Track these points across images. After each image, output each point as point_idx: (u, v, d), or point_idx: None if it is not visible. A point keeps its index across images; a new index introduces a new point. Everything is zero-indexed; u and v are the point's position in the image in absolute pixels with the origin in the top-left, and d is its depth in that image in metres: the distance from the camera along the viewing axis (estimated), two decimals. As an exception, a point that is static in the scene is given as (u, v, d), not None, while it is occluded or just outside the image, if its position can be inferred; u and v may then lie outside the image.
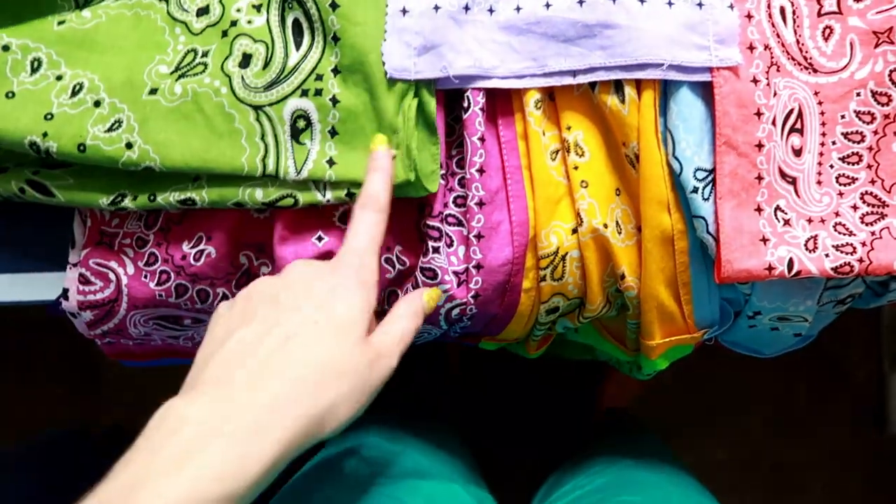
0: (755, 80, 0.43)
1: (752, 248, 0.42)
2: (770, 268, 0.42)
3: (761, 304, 0.46)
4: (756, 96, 0.42)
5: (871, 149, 0.44)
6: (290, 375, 0.33)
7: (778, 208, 0.43)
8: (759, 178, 0.42)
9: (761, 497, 1.11)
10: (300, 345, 0.35)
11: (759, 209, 0.43)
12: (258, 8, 0.42)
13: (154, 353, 0.49)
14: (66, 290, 0.44)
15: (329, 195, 0.41)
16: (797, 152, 0.43)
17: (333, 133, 0.41)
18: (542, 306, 0.46)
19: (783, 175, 0.43)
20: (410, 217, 0.45)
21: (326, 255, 0.43)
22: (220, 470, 0.30)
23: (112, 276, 0.44)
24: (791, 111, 0.43)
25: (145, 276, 0.43)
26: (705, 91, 0.42)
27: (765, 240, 0.42)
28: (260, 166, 0.41)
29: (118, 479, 0.30)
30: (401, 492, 0.49)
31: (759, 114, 0.42)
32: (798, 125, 0.43)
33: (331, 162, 0.41)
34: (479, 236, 0.43)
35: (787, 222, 0.43)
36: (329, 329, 0.35)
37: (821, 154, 0.44)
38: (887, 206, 0.43)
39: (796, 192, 0.43)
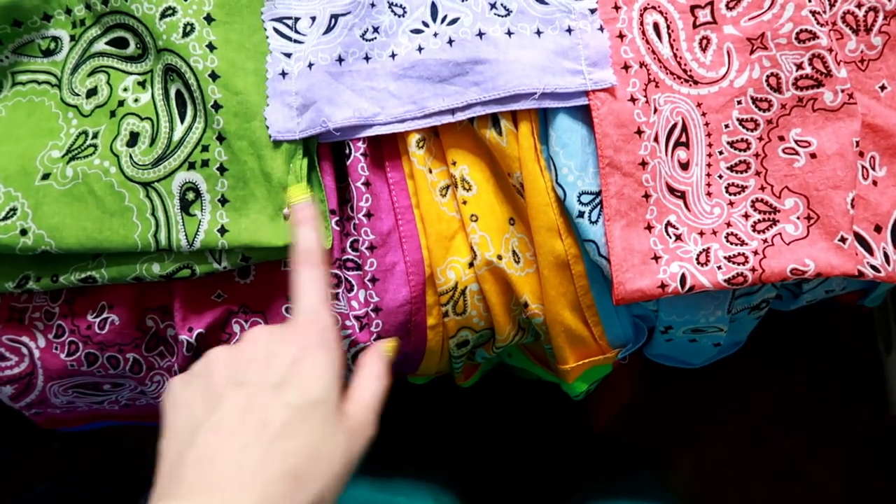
0: (633, 99, 0.43)
1: (643, 268, 0.42)
2: (663, 285, 0.42)
3: (670, 319, 0.46)
4: (635, 115, 0.42)
5: (757, 155, 0.43)
6: (274, 472, 0.32)
7: (669, 224, 0.43)
8: (647, 195, 0.42)
9: (764, 486, 1.10)
10: (280, 434, 0.33)
11: (649, 227, 0.42)
12: (143, 84, 0.43)
13: (83, 419, 0.51)
14: (-16, 368, 0.45)
15: (225, 262, 0.42)
16: (684, 166, 0.43)
17: (224, 201, 0.42)
18: (451, 341, 0.46)
19: (671, 190, 0.43)
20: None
21: (226, 312, 0.44)
22: None
23: (25, 350, 0.45)
24: (674, 126, 0.43)
25: (56, 348, 0.45)
26: (584, 115, 0.43)
27: (656, 257, 0.42)
28: (153, 242, 0.42)
29: None
30: None
31: (639, 132, 0.42)
32: (683, 139, 0.43)
33: (222, 230, 0.42)
34: (373, 280, 0.43)
35: (678, 237, 0.43)
36: (304, 410, 0.34)
37: (709, 165, 0.43)
38: (778, 211, 0.43)
39: (686, 205, 0.43)
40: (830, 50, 0.42)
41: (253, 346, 0.36)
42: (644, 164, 0.42)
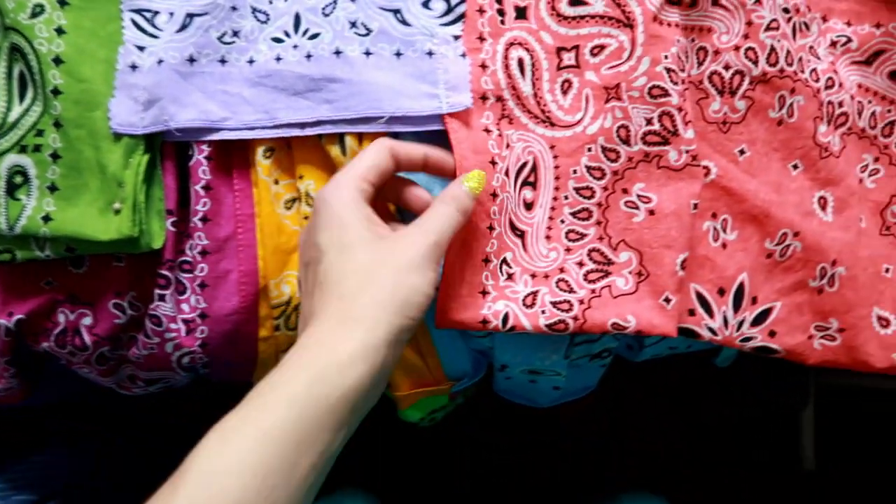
0: (487, 130, 0.42)
1: (469, 300, 0.41)
2: (485, 321, 0.41)
3: (505, 358, 0.46)
4: (489, 145, 0.42)
5: (600, 205, 0.43)
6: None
7: (504, 261, 0.42)
8: (491, 227, 0.42)
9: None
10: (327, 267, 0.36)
11: (486, 259, 0.42)
12: None
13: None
14: None
15: (48, 251, 0.41)
16: (528, 206, 0.43)
17: (53, 189, 0.41)
18: (283, 355, 0.45)
19: (513, 228, 0.43)
20: (149, 263, 0.45)
21: (51, 300, 0.43)
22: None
23: None
24: (525, 164, 0.43)
25: None
26: (432, 139, 0.42)
27: (485, 292, 0.42)
28: None
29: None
30: None
31: (493, 162, 0.42)
32: (532, 178, 0.43)
33: (47, 218, 0.41)
34: (202, 285, 0.43)
35: (510, 276, 0.42)
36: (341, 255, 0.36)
37: (553, 209, 0.43)
38: (612, 263, 0.42)
39: (524, 246, 0.43)
40: (680, 109, 0.42)
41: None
42: (495, 195, 0.42)
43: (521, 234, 0.43)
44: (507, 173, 0.42)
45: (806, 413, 1.15)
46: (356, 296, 0.35)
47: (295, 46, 0.43)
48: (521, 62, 0.43)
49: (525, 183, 0.43)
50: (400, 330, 0.35)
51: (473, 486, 0.78)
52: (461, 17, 0.43)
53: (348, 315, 0.34)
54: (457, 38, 0.43)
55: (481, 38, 0.43)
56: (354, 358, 0.33)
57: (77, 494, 0.60)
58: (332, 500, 0.57)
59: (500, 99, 0.43)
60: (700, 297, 0.44)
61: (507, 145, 0.42)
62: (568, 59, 0.43)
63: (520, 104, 0.43)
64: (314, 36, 0.43)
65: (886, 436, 1.06)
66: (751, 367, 0.66)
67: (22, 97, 0.42)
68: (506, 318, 0.41)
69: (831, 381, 1.06)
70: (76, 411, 0.66)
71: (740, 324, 0.44)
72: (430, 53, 0.42)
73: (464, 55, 0.42)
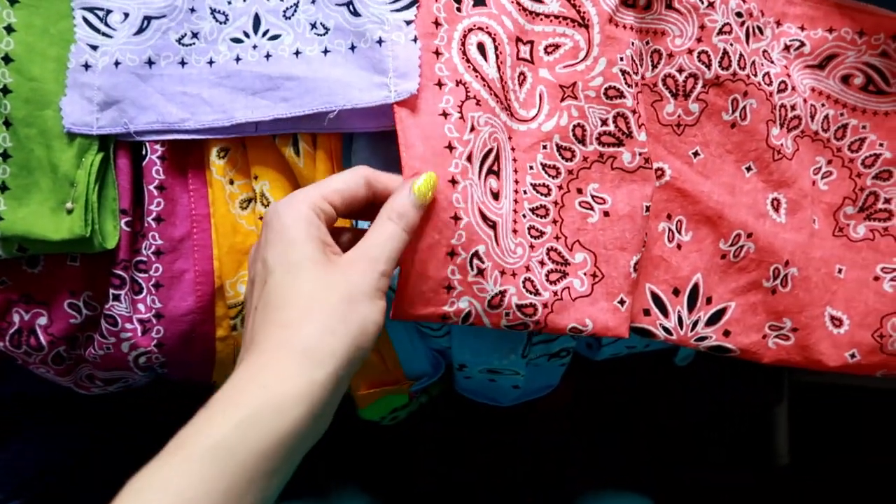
0: (445, 114, 0.40)
1: (431, 296, 0.39)
2: (444, 317, 0.40)
3: (463, 357, 0.46)
4: (446, 129, 0.40)
5: (556, 203, 0.43)
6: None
7: (476, 255, 0.40)
8: (456, 217, 0.39)
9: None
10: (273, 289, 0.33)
11: (453, 253, 0.39)
12: None
13: None
14: None
15: (0, 250, 0.41)
16: (495, 195, 0.41)
17: (3, 188, 0.41)
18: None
19: (484, 218, 0.40)
20: (104, 263, 0.44)
21: (5, 300, 0.43)
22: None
23: None
24: (490, 151, 0.41)
25: None
26: (388, 140, 0.42)
27: (450, 287, 0.40)
28: None
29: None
30: None
31: (450, 147, 0.40)
32: (496, 167, 0.42)
33: None
34: (157, 285, 0.43)
35: (481, 272, 0.40)
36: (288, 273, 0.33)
37: (515, 202, 0.42)
38: (569, 264, 0.43)
39: (496, 238, 0.41)
40: (634, 111, 0.42)
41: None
42: (454, 181, 0.39)
43: (493, 225, 0.41)
44: (469, 159, 0.40)
45: (780, 409, 1.17)
46: (301, 324, 0.32)
47: (254, 47, 0.43)
48: (481, 46, 0.41)
49: (490, 171, 0.41)
50: (349, 362, 0.32)
51: (438, 485, 0.79)
52: (414, 2, 0.41)
53: (291, 346, 0.31)
54: (409, 23, 0.41)
55: (437, 24, 0.41)
56: (294, 397, 0.30)
57: (43, 492, 0.59)
58: (332, 500, 0.57)
59: (459, 83, 0.41)
60: (655, 297, 0.44)
61: (472, 128, 0.40)
62: (524, 51, 0.43)
63: (486, 86, 0.41)
64: (274, 37, 0.43)
65: (860, 431, 1.07)
66: (717, 368, 0.66)
67: (-28, 96, 0.41)
68: (467, 316, 0.40)
69: (805, 378, 1.07)
70: (51, 404, 0.65)
71: (695, 323, 0.45)
72: (379, 41, 0.41)
73: (415, 39, 0.41)
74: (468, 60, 0.41)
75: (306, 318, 0.32)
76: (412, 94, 0.40)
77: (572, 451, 0.79)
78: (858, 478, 1.02)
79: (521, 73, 0.43)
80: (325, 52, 0.42)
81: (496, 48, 0.41)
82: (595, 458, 0.79)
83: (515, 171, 0.42)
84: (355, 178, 0.37)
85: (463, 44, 0.41)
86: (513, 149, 0.42)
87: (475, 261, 0.40)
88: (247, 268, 0.44)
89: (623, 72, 0.42)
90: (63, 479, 0.61)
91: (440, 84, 0.40)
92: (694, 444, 1.07)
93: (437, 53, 0.41)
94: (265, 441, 0.29)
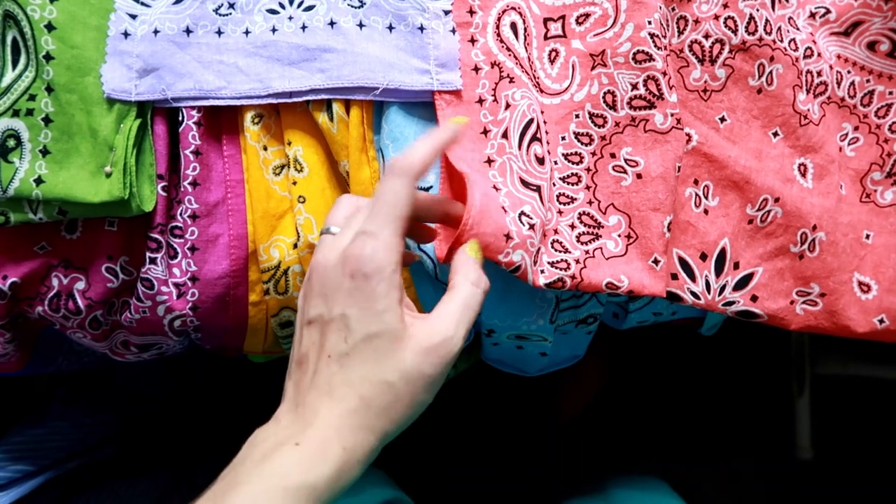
0: (481, 100, 0.43)
1: (492, 241, 0.38)
2: (507, 256, 0.39)
3: (492, 322, 0.46)
4: (482, 115, 0.42)
5: (588, 170, 0.44)
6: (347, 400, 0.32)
7: (523, 213, 0.41)
8: (496, 188, 0.41)
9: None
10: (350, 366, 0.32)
11: (503, 209, 0.40)
12: None
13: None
14: None
15: (41, 214, 0.42)
16: (540, 160, 0.43)
17: (45, 152, 0.42)
18: (273, 320, 0.46)
19: (525, 184, 0.41)
20: (141, 228, 0.45)
21: (45, 265, 0.44)
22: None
23: None
24: (531, 121, 0.42)
25: None
26: (420, 110, 0.43)
27: (508, 237, 0.39)
28: None
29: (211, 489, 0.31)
30: None
31: (486, 132, 0.42)
32: (539, 134, 0.43)
33: (39, 181, 0.42)
34: (193, 248, 0.44)
35: (532, 227, 0.40)
36: (369, 345, 0.32)
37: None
38: (602, 226, 0.43)
39: (541, 199, 0.42)
40: (664, 73, 0.43)
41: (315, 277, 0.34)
42: (490, 161, 0.42)
43: (536, 189, 0.42)
44: (504, 135, 0.42)
45: (801, 402, 1.16)
46: (384, 410, 0.32)
47: (290, 18, 0.44)
48: (513, 26, 0.43)
49: (533, 139, 0.43)
50: (385, 438, 0.33)
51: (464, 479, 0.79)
52: None
53: (359, 424, 0.32)
54: (447, 12, 0.43)
55: (471, 12, 0.43)
56: (328, 481, 0.31)
57: (77, 467, 0.60)
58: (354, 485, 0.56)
59: (494, 64, 0.43)
60: (682, 262, 0.45)
61: (507, 105, 0.42)
62: (555, 28, 0.44)
63: (518, 64, 0.43)
64: (309, 8, 0.44)
65: (882, 425, 1.06)
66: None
67: (15, 63, 0.42)
68: (516, 269, 0.40)
69: (827, 371, 1.06)
70: (86, 388, 0.66)
71: (722, 288, 0.45)
72: (421, 28, 0.43)
73: (453, 30, 0.43)
74: (502, 41, 0.43)
75: (384, 407, 0.32)
76: (457, 88, 0.42)
77: (596, 439, 0.78)
78: (880, 472, 1.02)
79: (553, 51, 0.44)
80: (361, 25, 0.43)
81: (525, 29, 0.43)
82: (616, 445, 0.79)
83: (547, 143, 0.43)
84: (409, 204, 0.34)
85: (497, 26, 0.43)
86: (545, 122, 0.43)
87: (524, 218, 0.41)
88: (280, 232, 0.44)
89: (652, 35, 0.43)
90: (92, 463, 0.62)
91: (476, 69, 0.43)
92: (714, 436, 1.06)
93: (473, 41, 0.43)
94: None
